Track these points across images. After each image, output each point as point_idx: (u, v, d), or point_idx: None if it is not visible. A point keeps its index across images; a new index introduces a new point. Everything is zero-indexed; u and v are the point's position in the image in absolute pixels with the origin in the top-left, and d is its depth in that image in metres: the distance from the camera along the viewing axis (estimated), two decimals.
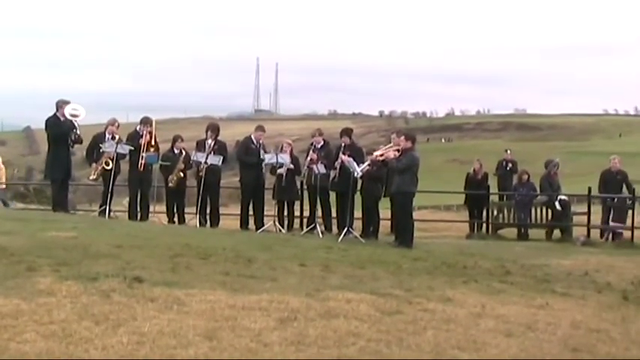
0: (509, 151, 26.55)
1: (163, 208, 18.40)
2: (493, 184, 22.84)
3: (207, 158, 17.13)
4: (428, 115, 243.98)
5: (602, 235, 19.52)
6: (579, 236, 18.93)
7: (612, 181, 19.89)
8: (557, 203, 19.67)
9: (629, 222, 19.38)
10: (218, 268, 9.56)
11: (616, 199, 19.71)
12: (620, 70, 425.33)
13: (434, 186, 29.02)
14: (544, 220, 20.17)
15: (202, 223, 17.31)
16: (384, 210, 17.32)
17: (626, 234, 19.09)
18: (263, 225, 17.36)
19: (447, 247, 15.86)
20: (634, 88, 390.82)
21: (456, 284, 10.11)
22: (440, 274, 11.10)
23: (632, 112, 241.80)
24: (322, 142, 17.66)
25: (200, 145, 17.63)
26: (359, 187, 16.80)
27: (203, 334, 6.30)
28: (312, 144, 17.67)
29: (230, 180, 27.29)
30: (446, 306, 8.36)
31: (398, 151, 15.43)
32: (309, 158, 17.26)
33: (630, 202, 19.66)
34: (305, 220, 18.14)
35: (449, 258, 12.93)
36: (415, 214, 19.31)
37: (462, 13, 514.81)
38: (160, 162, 17.66)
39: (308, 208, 17.98)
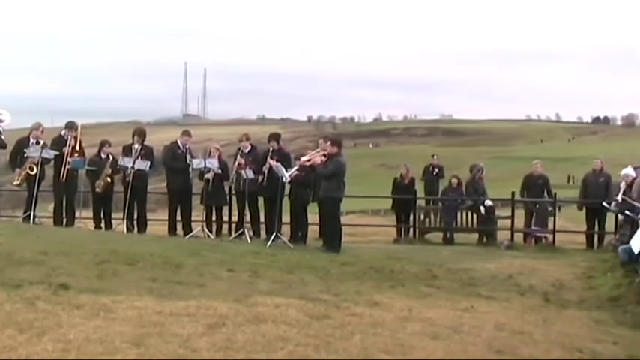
0: (435, 157, 26.89)
1: (90, 213, 18.13)
2: (420, 188, 23.07)
3: (134, 163, 16.97)
4: (356, 120, 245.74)
5: (525, 239, 19.88)
6: (503, 240, 19.25)
7: (534, 185, 20.30)
8: (482, 208, 19.97)
9: (550, 226, 19.79)
10: (145, 274, 9.49)
11: (538, 205, 20.10)
12: (542, 77, 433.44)
13: (362, 191, 29.07)
14: (469, 225, 20.46)
15: (130, 229, 17.14)
16: (313, 215, 17.38)
17: (549, 237, 19.49)
18: (191, 230, 17.26)
19: (374, 251, 15.96)
20: (555, 94, 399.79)
21: (383, 288, 10.21)
22: (368, 278, 11.21)
23: (553, 119, 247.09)
24: (250, 147, 17.65)
25: (127, 150, 17.45)
26: (287, 192, 16.83)
27: (130, 340, 6.24)
28: (239, 149, 17.64)
29: (158, 185, 27.01)
30: (373, 310, 8.44)
31: (325, 156, 15.51)
32: (237, 163, 17.24)
33: (551, 206, 20.10)
34: (233, 226, 18.10)
35: (376, 262, 13.05)
36: (343, 219, 19.44)
37: (389, 18, 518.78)
38: (86, 167, 17.42)
39: (236, 213, 17.94)
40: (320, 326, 7.34)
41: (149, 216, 18.55)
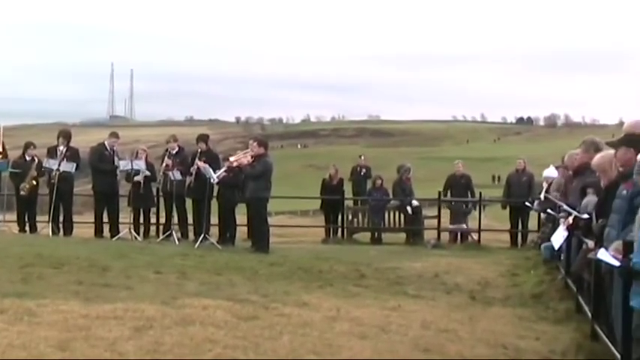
0: (363, 157, 27.05)
1: (14, 216, 17.80)
2: (348, 189, 23.20)
3: (59, 165, 16.71)
4: (284, 121, 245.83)
5: (452, 239, 20.16)
6: (430, 239, 19.49)
7: (457, 184, 20.64)
8: (409, 207, 20.18)
9: (475, 225, 20.11)
10: (71, 277, 9.38)
11: (453, 203, 20.44)
12: (467, 78, 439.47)
13: (290, 191, 29.18)
14: (397, 224, 20.65)
15: (55, 232, 16.87)
16: (241, 216, 17.36)
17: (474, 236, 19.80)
18: (118, 233, 17.07)
19: (303, 251, 16.03)
20: (480, 95, 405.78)
21: (311, 289, 10.26)
22: (296, 278, 11.25)
23: (478, 119, 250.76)
24: (178, 149, 17.56)
25: (52, 152, 17.17)
26: (215, 194, 16.77)
27: (56, 345, 6.16)
28: (167, 150, 17.53)
29: (84, 187, 26.66)
30: (302, 310, 8.47)
31: (252, 157, 15.52)
32: (164, 164, 17.14)
33: (472, 205, 20.46)
34: (161, 227, 17.99)
35: (305, 263, 13.11)
36: (272, 220, 19.48)
37: (316, 20, 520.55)
38: (10, 169, 17.09)
39: (164, 214, 17.82)
40: (248, 327, 7.35)
41: (75, 218, 18.29)
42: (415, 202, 20.61)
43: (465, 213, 20.53)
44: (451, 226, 20.19)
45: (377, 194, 21.06)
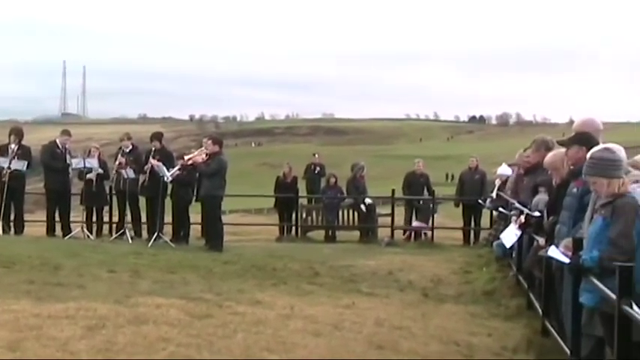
0: (317, 155, 27.06)
1: None
2: (302, 187, 23.20)
3: (10, 163, 16.49)
4: (238, 119, 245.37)
5: (407, 236, 20.27)
6: (384, 237, 19.55)
7: (416, 183, 20.76)
8: (362, 206, 20.24)
9: (430, 222, 20.23)
10: (22, 276, 9.29)
11: (421, 201, 20.56)
12: (420, 77, 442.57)
13: (245, 190, 29.08)
14: (351, 222, 20.71)
15: (6, 231, 16.63)
16: (195, 214, 17.30)
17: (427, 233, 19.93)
18: (70, 231, 16.89)
19: (257, 250, 16.01)
20: (433, 94, 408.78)
21: (265, 287, 10.28)
22: (250, 277, 11.26)
23: (432, 117, 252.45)
24: (131, 147, 17.42)
25: (3, 150, 16.90)
26: (169, 192, 16.69)
27: (6, 345, 6.10)
28: (120, 148, 17.40)
29: (35, 185, 26.33)
30: (256, 308, 8.48)
31: (206, 155, 15.48)
32: (117, 163, 17.00)
33: (431, 203, 20.58)
34: (114, 226, 17.85)
35: (259, 261, 13.11)
36: (226, 218, 19.42)
37: (271, 17, 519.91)
38: None
39: (117, 213, 17.69)
40: (202, 326, 7.34)
41: (27, 217, 18.06)
42: (369, 201, 20.67)
43: (429, 212, 20.60)
44: (416, 224, 20.26)
45: (331, 192, 21.09)
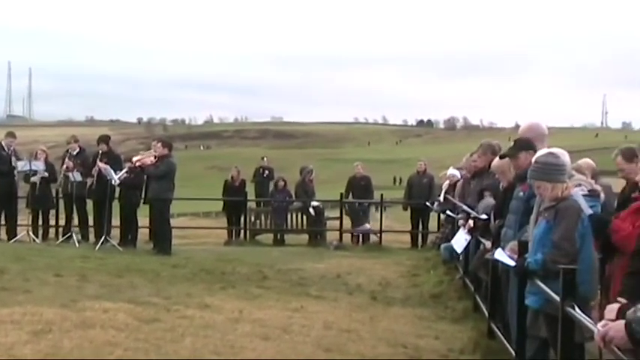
0: (265, 159, 27.08)
1: None
2: (251, 190, 23.19)
3: None
4: (187, 122, 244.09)
5: (352, 239, 20.35)
6: (332, 240, 19.61)
7: (357, 186, 20.85)
8: (311, 209, 20.29)
9: (376, 226, 20.34)
10: None
11: (357, 204, 20.67)
12: (369, 81, 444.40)
13: (193, 193, 29.04)
14: (300, 226, 20.74)
15: None
16: (143, 218, 17.18)
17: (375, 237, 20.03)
18: (16, 235, 16.66)
19: (205, 253, 15.94)
20: (382, 98, 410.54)
21: (214, 290, 10.25)
22: (198, 280, 11.22)
23: (380, 121, 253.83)
24: (78, 149, 17.24)
25: None
26: (117, 195, 16.56)
27: None
28: (67, 151, 17.21)
29: None
30: (204, 312, 8.46)
31: (155, 157, 15.40)
32: (64, 166, 16.81)
33: (367, 205, 20.75)
34: (61, 229, 17.64)
35: (207, 264, 13.07)
36: (174, 221, 19.31)
37: (218, 20, 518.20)
38: None
39: (64, 216, 17.49)
40: (150, 330, 7.31)
41: None
42: (317, 204, 20.73)
43: (363, 212, 20.73)
44: (356, 229, 20.36)
45: (279, 196, 21.11)
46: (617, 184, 8.99)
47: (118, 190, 16.35)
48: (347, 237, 20.35)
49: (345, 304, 10.21)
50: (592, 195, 6.65)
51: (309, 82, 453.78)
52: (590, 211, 6.05)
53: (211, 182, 50.87)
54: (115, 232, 16.73)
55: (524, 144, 7.33)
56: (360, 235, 20.49)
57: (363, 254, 17.26)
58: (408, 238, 20.55)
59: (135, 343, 6.75)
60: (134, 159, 15.96)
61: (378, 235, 20.21)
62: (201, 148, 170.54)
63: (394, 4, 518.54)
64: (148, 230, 17.52)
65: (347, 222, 20.54)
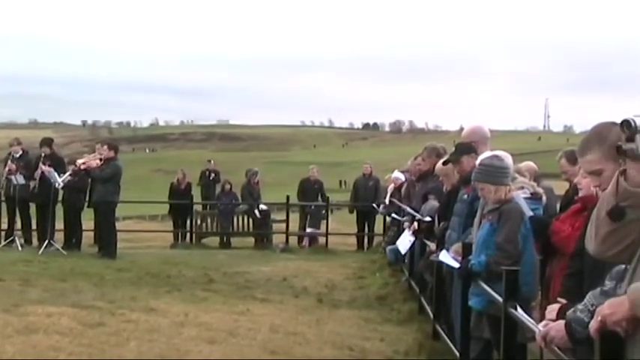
0: (212, 161, 27.00)
1: None
2: (197, 193, 23.10)
3: None
4: (132, 125, 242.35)
5: (300, 242, 20.38)
6: (279, 243, 19.61)
7: (310, 189, 20.88)
8: (257, 212, 20.27)
9: (323, 229, 20.39)
10: None
11: (313, 207, 20.69)
12: (316, 84, 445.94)
13: (139, 196, 28.82)
14: (246, 229, 20.71)
15: None
16: (87, 221, 17.01)
17: (322, 240, 20.06)
18: None
19: (151, 257, 15.82)
20: (328, 101, 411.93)
21: (159, 294, 10.20)
22: (144, 284, 11.15)
23: (326, 124, 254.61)
24: (21, 152, 17.02)
25: None
26: (60, 198, 16.38)
27: None
28: (10, 154, 16.98)
29: None
30: (149, 316, 8.42)
31: (100, 160, 15.28)
32: (7, 169, 16.58)
33: (324, 209, 20.78)
34: (3, 233, 17.39)
35: (153, 268, 13.00)
36: (120, 225, 19.14)
37: (165, 22, 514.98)
38: None
39: (6, 220, 17.25)
40: (94, 334, 7.26)
41: None
42: (263, 207, 20.73)
43: (320, 218, 20.76)
44: (308, 230, 20.37)
45: (226, 198, 21.05)
46: (560, 187, 9.15)
47: (61, 193, 16.18)
48: (293, 240, 20.36)
49: (291, 307, 10.22)
50: (534, 198, 6.74)
51: (255, 85, 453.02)
52: (531, 213, 6.15)
53: (157, 185, 50.58)
54: (59, 236, 16.53)
55: (465, 148, 7.43)
56: (307, 238, 20.51)
57: (310, 257, 17.28)
58: (354, 240, 20.63)
59: (79, 347, 6.70)
60: (79, 161, 15.80)
61: (325, 237, 20.26)
62: (147, 150, 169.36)
63: (343, 7, 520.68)
64: (92, 234, 17.34)
65: (293, 225, 20.54)
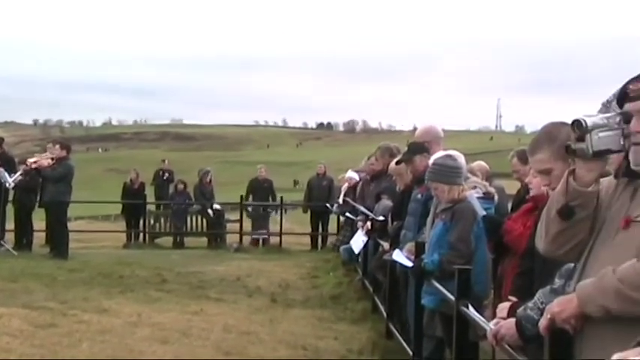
0: (166, 161, 26.87)
1: None
2: (150, 193, 22.97)
3: None
4: (84, 124, 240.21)
5: (252, 242, 20.35)
6: (232, 243, 19.56)
7: (260, 188, 20.85)
8: (210, 211, 20.22)
9: (276, 228, 20.40)
10: None
11: (261, 209, 20.71)
12: (270, 83, 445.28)
13: (91, 196, 28.60)
14: (199, 229, 20.65)
15: None
16: (39, 221, 16.83)
17: (275, 239, 20.08)
18: None
19: (103, 257, 15.70)
20: (281, 100, 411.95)
21: (112, 294, 10.13)
22: (96, 284, 11.07)
23: (280, 124, 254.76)
24: None
25: None
26: (11, 198, 16.18)
27: None
28: None
29: None
30: (102, 317, 8.36)
31: (52, 159, 15.12)
32: None
33: (271, 208, 20.82)
34: None
35: (105, 268, 12.90)
36: (72, 225, 18.97)
37: (118, 20, 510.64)
38: None
39: None
40: (46, 335, 7.19)
41: None
42: (217, 206, 20.68)
43: (265, 217, 20.78)
44: (254, 234, 20.37)
45: (179, 198, 20.97)
46: (512, 186, 9.25)
47: (12, 193, 15.99)
48: (247, 239, 20.33)
49: (244, 307, 10.21)
50: (487, 197, 6.81)
51: (209, 84, 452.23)
52: (484, 213, 6.21)
53: (110, 185, 50.14)
54: (10, 236, 16.34)
55: (418, 148, 7.49)
56: (261, 238, 20.50)
57: (263, 256, 17.26)
58: (307, 240, 20.65)
59: (30, 349, 6.64)
60: (30, 161, 15.63)
61: (278, 237, 20.26)
62: (100, 150, 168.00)
63: (297, 6, 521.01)
64: (44, 234, 17.16)
65: (247, 224, 20.52)
